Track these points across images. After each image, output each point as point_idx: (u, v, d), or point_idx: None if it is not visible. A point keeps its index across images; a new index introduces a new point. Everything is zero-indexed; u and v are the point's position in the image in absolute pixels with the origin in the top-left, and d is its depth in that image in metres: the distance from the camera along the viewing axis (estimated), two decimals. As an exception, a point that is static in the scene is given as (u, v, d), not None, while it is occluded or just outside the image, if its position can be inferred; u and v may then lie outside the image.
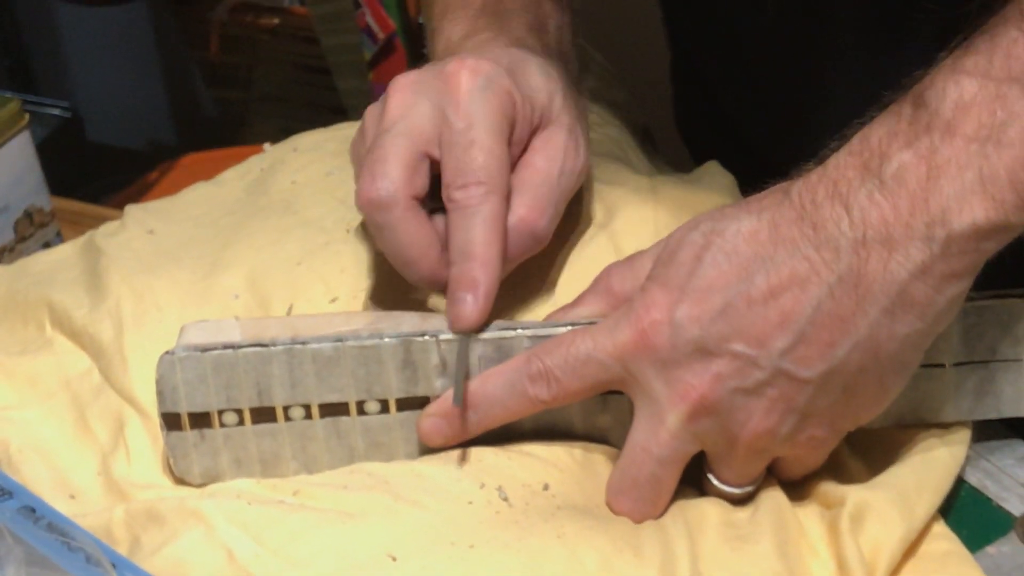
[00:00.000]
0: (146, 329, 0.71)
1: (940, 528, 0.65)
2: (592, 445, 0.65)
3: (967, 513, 0.67)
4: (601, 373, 0.62)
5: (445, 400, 0.64)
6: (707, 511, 0.63)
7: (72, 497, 0.65)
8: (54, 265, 0.79)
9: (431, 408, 0.64)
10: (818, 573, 0.62)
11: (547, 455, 0.64)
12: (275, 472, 0.65)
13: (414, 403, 0.65)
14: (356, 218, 0.75)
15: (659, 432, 0.61)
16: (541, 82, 0.69)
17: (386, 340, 0.64)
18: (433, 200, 0.66)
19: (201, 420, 0.64)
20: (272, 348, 0.63)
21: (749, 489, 0.64)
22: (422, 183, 0.65)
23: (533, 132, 0.68)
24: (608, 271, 0.66)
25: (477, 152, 0.64)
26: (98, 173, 1.47)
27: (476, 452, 0.64)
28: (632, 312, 0.61)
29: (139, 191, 1.25)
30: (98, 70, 1.67)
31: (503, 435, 0.65)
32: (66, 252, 0.80)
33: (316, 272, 0.73)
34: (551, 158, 0.68)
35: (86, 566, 0.57)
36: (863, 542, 0.62)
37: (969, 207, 0.56)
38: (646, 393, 0.61)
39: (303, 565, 0.58)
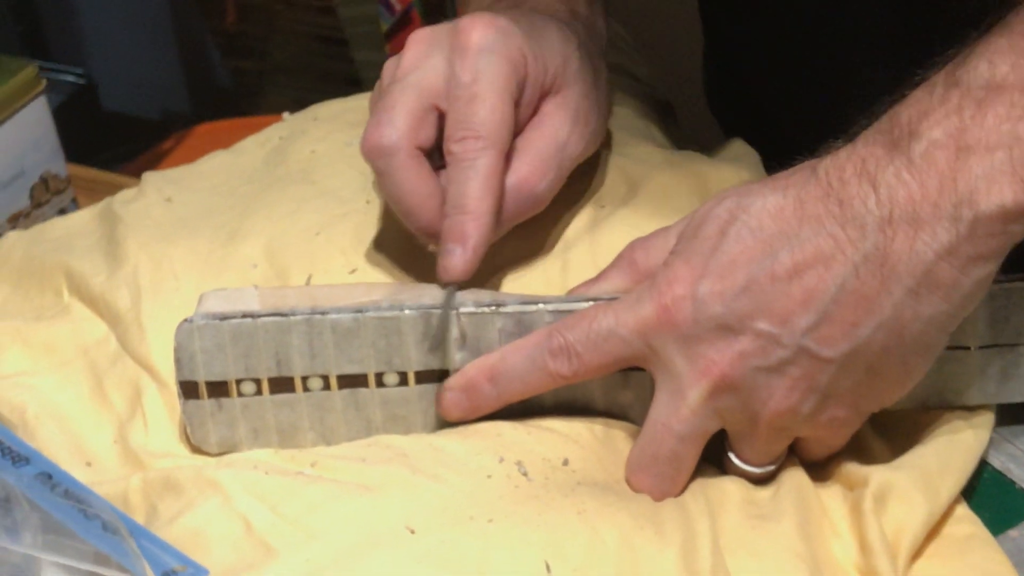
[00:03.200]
0: (163, 297, 0.71)
1: (963, 511, 0.65)
2: (613, 421, 0.65)
3: (990, 496, 0.66)
4: (623, 349, 0.61)
5: (463, 374, 0.63)
6: (728, 490, 0.63)
7: (88, 464, 0.65)
8: (72, 231, 0.78)
9: (450, 382, 0.64)
10: (839, 554, 0.62)
11: (567, 430, 0.64)
12: (292, 443, 0.64)
13: (433, 376, 0.64)
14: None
15: (680, 408, 0.61)
16: (557, 46, 0.68)
17: (406, 312, 0.63)
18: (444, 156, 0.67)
19: (219, 389, 0.63)
20: (291, 318, 0.63)
21: (770, 469, 0.63)
22: (427, 134, 0.66)
23: (544, 95, 0.68)
24: (632, 246, 0.66)
25: (479, 107, 0.64)
26: (112, 141, 1.46)
27: (495, 426, 0.64)
28: (655, 287, 0.60)
29: (153, 159, 1.25)
30: (113, 37, 1.67)
31: (523, 411, 0.64)
32: (84, 218, 0.80)
33: (335, 243, 0.72)
34: (559, 122, 0.68)
35: (103, 533, 0.57)
36: (886, 523, 0.61)
37: (998, 188, 0.55)
38: (668, 369, 0.61)
39: (320, 536, 0.58)
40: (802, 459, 0.64)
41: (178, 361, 0.63)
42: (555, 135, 0.67)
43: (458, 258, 0.63)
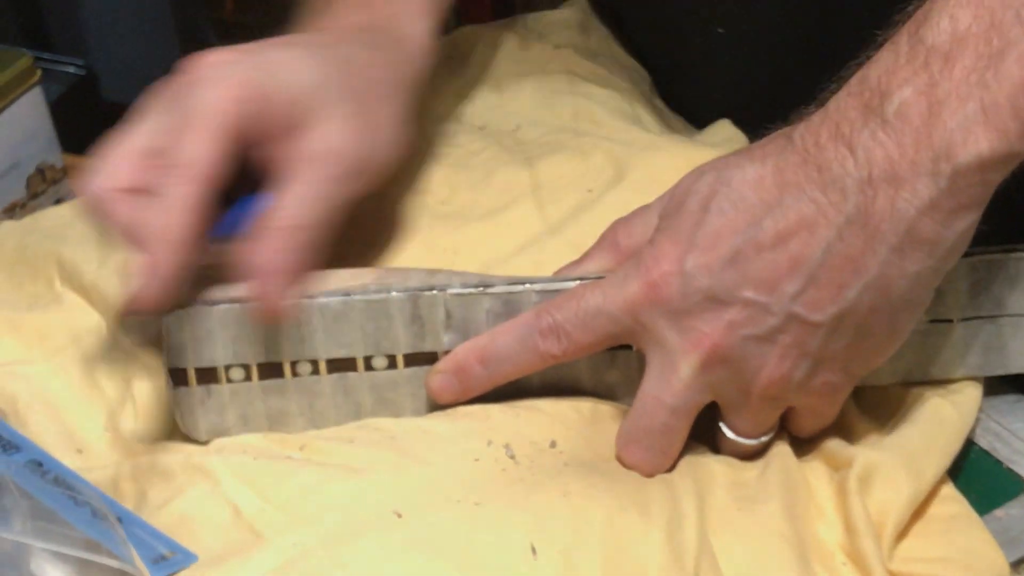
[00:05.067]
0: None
1: (948, 490, 0.65)
2: (600, 401, 0.65)
3: (976, 476, 0.66)
4: (612, 326, 0.62)
5: (454, 357, 0.64)
6: (716, 470, 0.63)
7: (79, 452, 0.65)
8: (65, 221, 0.79)
9: (440, 365, 0.64)
10: (825, 535, 0.62)
11: (554, 411, 0.64)
12: (282, 428, 0.65)
13: (421, 359, 0.64)
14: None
15: (672, 381, 0.61)
16: (302, 75, 0.65)
17: (394, 294, 0.63)
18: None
19: (208, 375, 0.64)
20: None
21: (764, 440, 0.64)
22: (141, 178, 0.62)
23: (295, 126, 0.64)
24: (614, 227, 0.66)
25: (182, 138, 0.61)
26: (113, 132, 1.46)
27: (483, 409, 0.64)
28: (641, 264, 0.61)
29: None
30: (113, 28, 1.67)
31: (510, 393, 0.65)
32: (77, 208, 0.80)
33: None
34: (317, 153, 0.64)
35: (92, 520, 0.58)
36: (871, 504, 0.61)
37: (973, 139, 0.55)
38: (658, 343, 0.61)
39: (308, 521, 0.58)
40: (793, 433, 0.65)
41: (167, 348, 0.63)
42: (313, 167, 0.64)
43: (147, 288, 0.60)
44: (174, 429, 0.66)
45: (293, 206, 0.63)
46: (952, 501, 0.64)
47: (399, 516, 0.58)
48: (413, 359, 0.64)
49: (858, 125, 0.57)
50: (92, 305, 0.72)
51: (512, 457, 0.62)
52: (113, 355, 0.69)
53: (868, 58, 0.58)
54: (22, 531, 0.58)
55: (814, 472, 0.65)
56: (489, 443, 0.62)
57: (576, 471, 0.61)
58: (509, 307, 0.64)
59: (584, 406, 0.65)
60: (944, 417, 0.66)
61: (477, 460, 0.61)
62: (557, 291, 0.63)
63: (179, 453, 0.63)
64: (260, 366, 0.64)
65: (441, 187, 0.75)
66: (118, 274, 0.71)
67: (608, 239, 0.66)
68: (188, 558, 0.58)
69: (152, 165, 0.62)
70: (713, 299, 0.59)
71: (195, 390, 0.64)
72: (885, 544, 0.61)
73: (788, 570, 0.59)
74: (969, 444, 0.67)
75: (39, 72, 0.98)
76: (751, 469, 0.64)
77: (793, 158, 0.58)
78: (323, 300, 0.63)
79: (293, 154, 0.64)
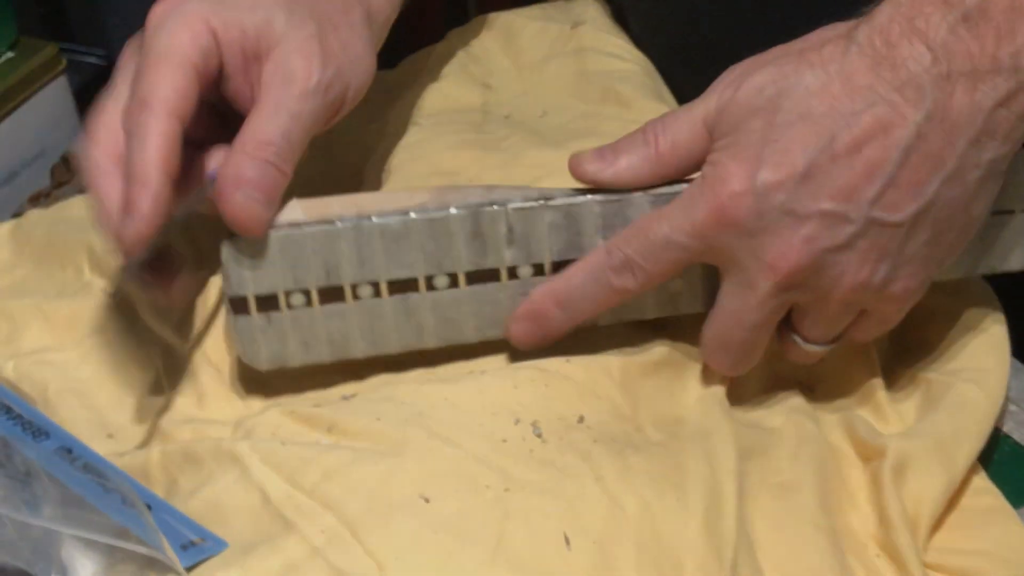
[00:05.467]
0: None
1: (982, 482, 0.64)
2: (630, 358, 0.65)
3: (1010, 469, 0.66)
4: (683, 254, 0.61)
5: (531, 304, 0.63)
6: (749, 447, 0.63)
7: (110, 436, 0.65)
8: (93, 209, 0.78)
9: (519, 312, 0.63)
10: (858, 525, 0.62)
11: (584, 377, 0.64)
12: (344, 353, 0.64)
13: (483, 276, 0.64)
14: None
15: (749, 300, 0.60)
16: (259, 6, 0.66)
17: (454, 211, 0.63)
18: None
19: (268, 302, 0.63)
20: (339, 225, 0.62)
21: (832, 347, 0.63)
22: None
23: (257, 55, 0.65)
24: (648, 128, 0.63)
25: (148, 77, 0.62)
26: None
27: (511, 374, 0.63)
28: (706, 187, 0.59)
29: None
30: (135, 19, 1.67)
31: None
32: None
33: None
34: (276, 74, 0.65)
35: (122, 507, 0.57)
36: (905, 495, 0.61)
37: None
38: (734, 263, 0.60)
39: (335, 506, 0.58)
40: (854, 339, 0.64)
41: (226, 276, 0.63)
42: (278, 94, 0.64)
43: (127, 227, 0.60)
44: (203, 409, 0.66)
45: (257, 123, 0.63)
46: (986, 493, 0.64)
47: (427, 501, 0.58)
48: (475, 276, 0.64)
49: (935, 20, 0.56)
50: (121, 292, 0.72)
51: (539, 436, 0.61)
52: (142, 340, 0.69)
53: None
54: (52, 518, 0.57)
55: (846, 459, 0.64)
56: (517, 422, 0.61)
57: (608, 449, 0.60)
58: (570, 219, 0.63)
59: (614, 365, 0.64)
60: (971, 400, 0.65)
61: (504, 441, 0.61)
62: (618, 202, 0.63)
63: (208, 439, 0.62)
64: (321, 290, 0.63)
65: (470, 167, 0.75)
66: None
67: (641, 139, 0.63)
68: (218, 545, 0.58)
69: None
70: (789, 214, 0.58)
71: (255, 318, 0.63)
72: (921, 536, 0.60)
73: (825, 563, 0.59)
74: (1003, 438, 0.67)
75: (64, 61, 0.99)
76: (782, 449, 0.63)
77: (861, 61, 0.57)
78: (383, 220, 0.62)
79: (256, 81, 0.65)
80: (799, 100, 0.58)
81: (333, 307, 0.63)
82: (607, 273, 0.62)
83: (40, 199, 0.93)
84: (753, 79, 0.59)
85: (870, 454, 0.63)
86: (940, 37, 0.56)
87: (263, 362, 0.64)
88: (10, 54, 0.97)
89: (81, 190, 0.97)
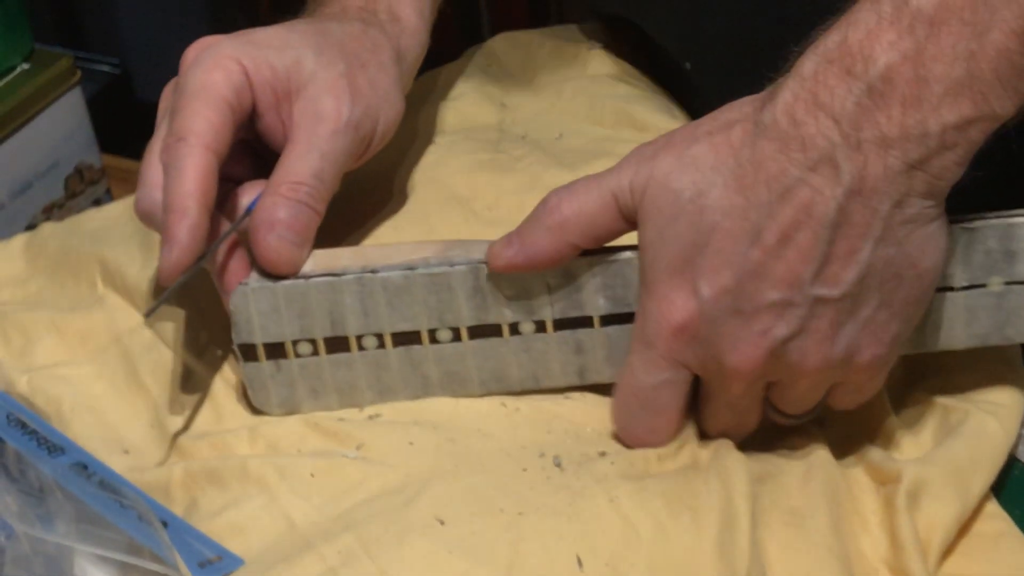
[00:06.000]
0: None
1: (993, 508, 0.65)
2: None
3: (1020, 494, 0.66)
4: (674, 384, 0.62)
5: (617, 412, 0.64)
6: (758, 473, 0.63)
7: (126, 452, 0.65)
8: (107, 223, 0.79)
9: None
10: (869, 550, 0.62)
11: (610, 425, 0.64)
12: (352, 402, 0.65)
13: (486, 331, 0.64)
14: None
15: (727, 397, 0.62)
16: (290, 46, 0.68)
17: (456, 267, 0.63)
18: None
19: (276, 350, 0.64)
20: (343, 277, 0.63)
21: (810, 417, 0.64)
22: None
23: (289, 94, 0.67)
24: (558, 202, 0.62)
25: (184, 113, 0.64)
26: (146, 131, 1.46)
27: (550, 409, 0.65)
28: (657, 314, 0.60)
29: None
30: (148, 27, 1.67)
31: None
32: (118, 210, 0.80)
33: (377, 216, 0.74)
34: (308, 113, 0.67)
35: (137, 523, 0.58)
36: (918, 520, 0.61)
37: (957, 104, 0.55)
38: (704, 369, 0.61)
39: (354, 527, 0.58)
40: (833, 408, 0.64)
41: (235, 324, 0.64)
42: (309, 120, 0.67)
43: (166, 257, 0.62)
44: (219, 424, 0.66)
45: (289, 164, 0.65)
46: (997, 519, 0.64)
47: (442, 523, 0.58)
48: (478, 331, 0.64)
49: (840, 92, 0.56)
50: (134, 306, 0.72)
51: (559, 466, 0.62)
52: (156, 354, 0.69)
53: (837, 22, 0.57)
54: (66, 533, 0.58)
55: (858, 484, 0.64)
56: (542, 455, 0.62)
57: (622, 474, 0.61)
58: (568, 279, 0.63)
59: None
60: (988, 431, 0.65)
61: (525, 470, 0.61)
62: (614, 262, 0.63)
63: (233, 459, 0.63)
64: (327, 340, 0.64)
65: (486, 192, 0.75)
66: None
67: (542, 210, 0.63)
68: (234, 562, 0.58)
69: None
70: (738, 314, 0.59)
71: (264, 365, 0.64)
72: (932, 562, 0.60)
73: (837, 587, 0.59)
74: (1013, 462, 0.67)
75: (79, 73, 0.99)
76: (792, 477, 0.64)
77: (769, 145, 0.57)
78: (386, 274, 0.63)
79: (287, 118, 0.67)
80: (718, 198, 0.58)
81: (339, 357, 0.65)
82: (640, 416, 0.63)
83: (54, 209, 0.94)
84: (670, 181, 0.59)
85: (884, 478, 0.63)
86: (847, 109, 0.56)
87: (274, 408, 0.65)
88: (25, 65, 0.98)
89: (96, 200, 0.97)
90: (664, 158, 0.60)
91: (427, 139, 0.81)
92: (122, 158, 1.11)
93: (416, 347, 0.64)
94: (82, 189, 0.98)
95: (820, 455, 0.64)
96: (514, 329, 0.64)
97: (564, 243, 0.62)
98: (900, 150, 0.56)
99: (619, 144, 0.78)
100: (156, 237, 0.73)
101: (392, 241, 0.72)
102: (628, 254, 0.63)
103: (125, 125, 1.38)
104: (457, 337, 0.64)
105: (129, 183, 0.99)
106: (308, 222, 0.65)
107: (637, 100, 0.83)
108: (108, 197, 1.03)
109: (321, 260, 0.64)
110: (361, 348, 0.64)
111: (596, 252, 0.63)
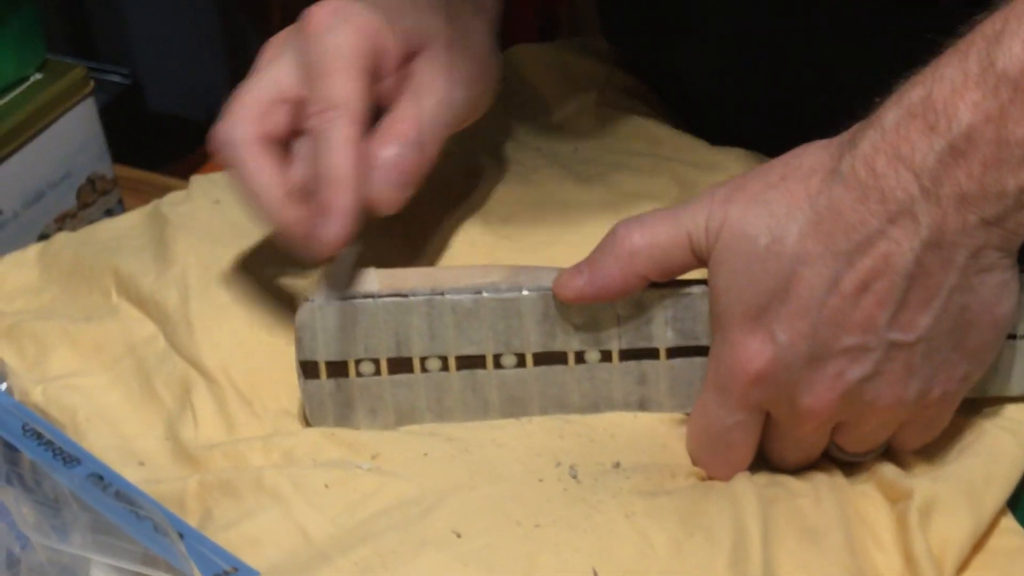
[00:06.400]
0: (212, 296, 0.71)
1: (1009, 523, 0.64)
2: (677, 423, 0.65)
3: (1036, 509, 0.66)
4: (745, 421, 0.62)
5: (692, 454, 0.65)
6: (772, 496, 0.63)
7: (141, 464, 0.65)
8: (121, 233, 0.79)
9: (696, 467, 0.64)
10: (884, 568, 0.62)
11: (630, 436, 0.64)
12: (410, 420, 0.65)
13: (551, 358, 0.64)
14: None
15: (799, 439, 0.63)
16: (407, 13, 0.69)
17: (525, 293, 0.63)
18: None
19: (338, 369, 0.64)
20: (412, 299, 0.63)
21: (871, 456, 0.65)
22: (273, 123, 0.66)
23: (409, 58, 0.68)
24: (628, 232, 0.63)
25: (328, 80, 0.64)
26: (158, 142, 1.47)
27: (559, 427, 0.64)
28: (733, 362, 0.60)
29: (199, 160, 1.25)
30: (159, 38, 1.67)
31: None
32: (132, 220, 0.80)
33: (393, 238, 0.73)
34: (425, 77, 0.68)
35: (154, 534, 0.57)
36: (931, 536, 0.61)
37: None
38: (778, 411, 0.62)
39: (371, 539, 0.58)
40: (897, 448, 0.65)
41: (299, 341, 0.63)
42: (426, 82, 0.68)
43: (327, 228, 0.62)
44: (231, 433, 0.66)
45: (399, 111, 0.66)
46: (1013, 534, 0.64)
47: (458, 536, 0.58)
48: (542, 358, 0.64)
49: (922, 148, 0.56)
50: (148, 316, 0.72)
51: (575, 477, 0.62)
52: (170, 365, 0.69)
53: (924, 73, 0.58)
54: (81, 544, 0.58)
55: (872, 502, 0.64)
56: (558, 464, 0.62)
57: (638, 489, 0.61)
58: (638, 310, 0.63)
59: (660, 430, 0.65)
60: (1004, 448, 0.65)
61: (541, 481, 0.61)
62: (687, 295, 0.63)
63: (247, 470, 0.63)
64: (390, 360, 0.64)
65: (502, 205, 0.75)
66: (175, 285, 0.72)
67: (612, 240, 0.63)
68: (249, 574, 0.58)
69: (289, 111, 0.66)
70: (814, 359, 0.59)
71: (325, 383, 0.64)
72: (946, 578, 0.60)
73: (853, 604, 0.59)
74: (1028, 477, 0.67)
75: (91, 83, 0.99)
76: (805, 496, 0.63)
77: (847, 195, 0.58)
78: (455, 297, 0.63)
79: (405, 82, 0.68)
80: (795, 244, 0.58)
81: (401, 377, 0.64)
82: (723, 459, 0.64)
83: (66, 219, 0.94)
84: (745, 227, 0.59)
85: (897, 496, 0.63)
86: (928, 165, 0.56)
87: (330, 425, 0.65)
88: (38, 76, 0.98)
89: (108, 211, 0.97)
90: (738, 202, 0.60)
91: (443, 149, 0.80)
92: (134, 168, 1.11)
93: (480, 371, 0.64)
94: (94, 199, 0.98)
95: (832, 473, 0.64)
96: (579, 357, 0.64)
97: (633, 274, 0.62)
98: (978, 207, 0.56)
99: (634, 158, 0.79)
100: (173, 248, 0.73)
101: (405, 251, 0.72)
102: (699, 288, 0.63)
103: (137, 135, 1.39)
104: (522, 363, 0.64)
105: (141, 193, 1.00)
106: (413, 165, 0.65)
107: (650, 114, 0.83)
108: (120, 207, 1.03)
109: (388, 280, 0.64)
110: (424, 370, 0.64)
111: (666, 285, 0.63)
